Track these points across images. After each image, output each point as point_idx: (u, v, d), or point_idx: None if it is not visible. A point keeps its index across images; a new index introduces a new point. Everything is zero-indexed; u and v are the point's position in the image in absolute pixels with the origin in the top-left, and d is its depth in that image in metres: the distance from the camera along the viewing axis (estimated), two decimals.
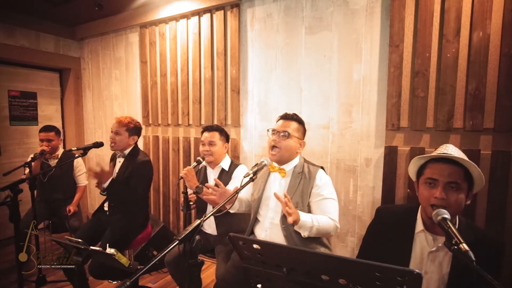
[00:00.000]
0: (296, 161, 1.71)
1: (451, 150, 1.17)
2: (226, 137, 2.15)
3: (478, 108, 1.76)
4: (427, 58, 1.88)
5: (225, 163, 2.12)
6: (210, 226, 2.06)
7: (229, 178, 2.05)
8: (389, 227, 1.26)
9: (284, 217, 1.60)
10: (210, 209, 2.07)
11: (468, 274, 1.03)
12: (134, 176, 2.24)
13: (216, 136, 2.07)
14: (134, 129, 2.33)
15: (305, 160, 1.74)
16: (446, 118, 1.84)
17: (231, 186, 1.99)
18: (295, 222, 1.40)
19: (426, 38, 1.87)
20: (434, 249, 1.16)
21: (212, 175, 2.11)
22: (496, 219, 1.75)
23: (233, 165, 2.11)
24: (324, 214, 1.55)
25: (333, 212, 1.57)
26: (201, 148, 2.09)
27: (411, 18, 1.92)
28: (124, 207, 2.23)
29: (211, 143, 2.05)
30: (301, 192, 1.62)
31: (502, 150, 1.73)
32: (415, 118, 1.94)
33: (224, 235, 1.99)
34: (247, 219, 1.93)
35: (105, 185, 2.23)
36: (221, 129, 2.13)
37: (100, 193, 2.31)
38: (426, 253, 1.17)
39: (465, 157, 1.11)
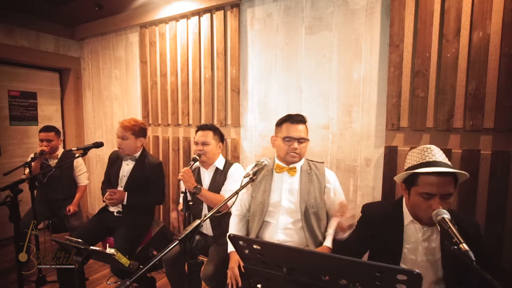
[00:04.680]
0: (302, 159, 1.77)
1: (438, 155, 1.17)
2: (220, 136, 2.10)
3: (478, 108, 1.76)
4: (427, 58, 1.88)
5: (220, 163, 2.09)
6: (205, 227, 2.05)
7: (224, 177, 2.03)
8: (377, 221, 1.31)
9: (305, 215, 1.64)
10: (205, 211, 2.07)
11: (457, 257, 1.07)
12: (154, 180, 2.27)
13: (209, 135, 2.03)
14: (140, 131, 2.29)
15: (306, 159, 1.78)
16: (446, 118, 1.84)
17: (227, 186, 2.00)
18: None
19: (426, 38, 1.87)
20: (425, 237, 1.21)
21: (207, 175, 2.10)
22: (496, 219, 1.75)
23: (228, 164, 2.09)
24: (338, 212, 1.71)
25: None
26: (194, 147, 2.07)
27: (411, 18, 1.92)
28: (138, 209, 2.24)
29: (204, 143, 2.01)
30: (316, 188, 1.69)
31: (502, 150, 1.73)
32: (415, 118, 1.94)
33: (220, 235, 1.98)
34: None
35: (124, 202, 2.20)
36: (215, 128, 2.09)
37: (104, 201, 2.27)
38: (419, 242, 1.22)
39: (448, 162, 1.17)
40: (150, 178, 2.26)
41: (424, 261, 1.21)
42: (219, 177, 2.05)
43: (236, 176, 2.01)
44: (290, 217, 1.66)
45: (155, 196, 2.29)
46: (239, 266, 1.63)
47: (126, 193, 2.19)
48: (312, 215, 1.65)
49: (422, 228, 1.21)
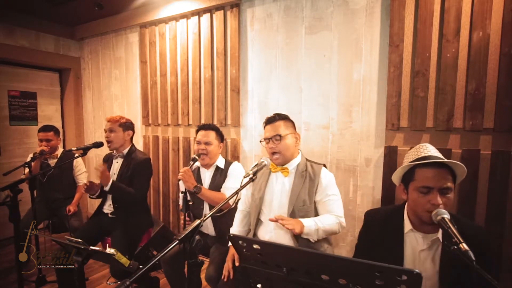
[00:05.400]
0: (298, 159, 1.72)
1: (433, 151, 1.18)
2: (221, 136, 2.12)
3: (478, 108, 1.76)
4: (427, 58, 1.88)
5: (220, 162, 2.11)
6: (207, 227, 2.06)
7: (224, 176, 2.04)
8: (377, 229, 1.27)
9: (291, 216, 1.61)
10: (206, 211, 2.08)
11: (458, 268, 1.04)
12: (137, 175, 2.25)
13: (212, 135, 2.05)
14: (127, 124, 2.34)
15: (307, 159, 1.74)
16: (446, 118, 1.84)
17: (228, 184, 2.00)
18: (301, 231, 1.43)
19: (426, 38, 1.87)
20: (424, 247, 1.17)
21: (207, 174, 2.11)
22: (496, 219, 1.75)
23: (228, 163, 2.11)
24: (329, 213, 1.60)
25: (337, 210, 1.62)
26: (196, 146, 2.07)
27: (411, 18, 1.92)
28: (129, 207, 2.24)
29: (207, 143, 2.03)
30: (307, 190, 1.64)
31: (502, 150, 1.73)
32: (415, 118, 1.94)
33: (221, 234, 1.98)
34: None
35: (107, 187, 2.14)
36: (217, 128, 2.11)
37: (90, 197, 2.27)
38: (418, 252, 1.19)
39: (442, 156, 1.15)
40: (137, 173, 2.26)
41: (423, 271, 1.18)
42: (220, 176, 2.05)
43: (236, 173, 2.03)
44: None
45: (136, 191, 2.22)
46: (235, 260, 1.69)
47: (111, 179, 2.12)
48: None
49: (422, 238, 1.19)
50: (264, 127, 1.75)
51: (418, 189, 1.13)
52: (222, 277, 1.70)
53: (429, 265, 1.17)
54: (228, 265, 1.70)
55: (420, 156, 1.17)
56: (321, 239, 1.62)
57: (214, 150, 2.04)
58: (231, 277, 1.67)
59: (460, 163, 1.10)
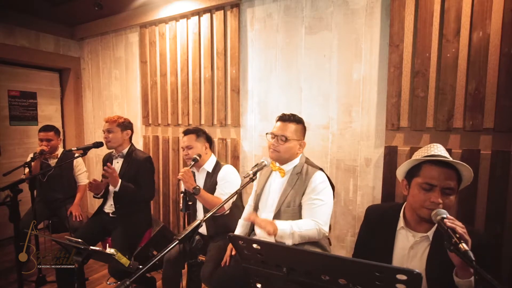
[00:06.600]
0: (296, 161, 1.70)
1: (443, 152, 1.18)
2: (205, 137, 2.10)
3: (478, 108, 1.76)
4: (427, 58, 1.88)
5: (209, 165, 2.09)
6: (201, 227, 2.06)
7: (214, 181, 2.04)
8: (375, 225, 1.29)
9: (276, 216, 1.62)
10: (200, 211, 2.09)
11: (444, 265, 1.04)
12: (142, 174, 2.26)
13: (192, 138, 2.05)
14: (125, 124, 2.34)
15: (306, 161, 1.72)
16: (446, 118, 1.84)
17: (223, 190, 1.99)
18: (274, 232, 1.41)
19: (426, 38, 1.87)
20: (414, 245, 1.18)
21: (200, 177, 2.12)
22: (496, 219, 1.75)
23: (217, 167, 2.08)
24: (311, 218, 1.55)
25: (318, 216, 1.55)
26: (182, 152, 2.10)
27: (411, 18, 1.92)
28: (131, 207, 2.24)
29: (188, 147, 2.04)
30: (296, 192, 1.62)
31: (502, 150, 1.73)
32: (415, 118, 1.94)
33: (215, 235, 1.99)
34: (236, 219, 1.93)
35: (117, 188, 2.15)
36: (198, 130, 2.10)
37: (94, 197, 2.27)
38: (407, 249, 1.20)
39: (451, 158, 1.15)
40: (139, 173, 2.26)
41: (412, 267, 1.17)
42: (210, 180, 2.06)
43: (229, 178, 2.02)
44: (269, 215, 1.66)
45: (145, 191, 2.27)
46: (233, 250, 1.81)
47: (120, 179, 2.14)
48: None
49: (412, 235, 1.19)
50: (276, 121, 1.73)
51: (420, 185, 1.13)
52: (222, 263, 1.81)
53: (417, 262, 1.18)
54: (227, 254, 1.84)
55: (429, 154, 1.17)
56: (314, 246, 1.59)
57: (197, 153, 2.02)
58: (227, 264, 1.79)
59: (468, 167, 1.10)
